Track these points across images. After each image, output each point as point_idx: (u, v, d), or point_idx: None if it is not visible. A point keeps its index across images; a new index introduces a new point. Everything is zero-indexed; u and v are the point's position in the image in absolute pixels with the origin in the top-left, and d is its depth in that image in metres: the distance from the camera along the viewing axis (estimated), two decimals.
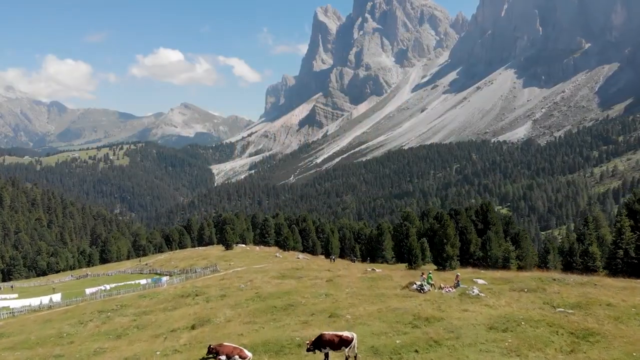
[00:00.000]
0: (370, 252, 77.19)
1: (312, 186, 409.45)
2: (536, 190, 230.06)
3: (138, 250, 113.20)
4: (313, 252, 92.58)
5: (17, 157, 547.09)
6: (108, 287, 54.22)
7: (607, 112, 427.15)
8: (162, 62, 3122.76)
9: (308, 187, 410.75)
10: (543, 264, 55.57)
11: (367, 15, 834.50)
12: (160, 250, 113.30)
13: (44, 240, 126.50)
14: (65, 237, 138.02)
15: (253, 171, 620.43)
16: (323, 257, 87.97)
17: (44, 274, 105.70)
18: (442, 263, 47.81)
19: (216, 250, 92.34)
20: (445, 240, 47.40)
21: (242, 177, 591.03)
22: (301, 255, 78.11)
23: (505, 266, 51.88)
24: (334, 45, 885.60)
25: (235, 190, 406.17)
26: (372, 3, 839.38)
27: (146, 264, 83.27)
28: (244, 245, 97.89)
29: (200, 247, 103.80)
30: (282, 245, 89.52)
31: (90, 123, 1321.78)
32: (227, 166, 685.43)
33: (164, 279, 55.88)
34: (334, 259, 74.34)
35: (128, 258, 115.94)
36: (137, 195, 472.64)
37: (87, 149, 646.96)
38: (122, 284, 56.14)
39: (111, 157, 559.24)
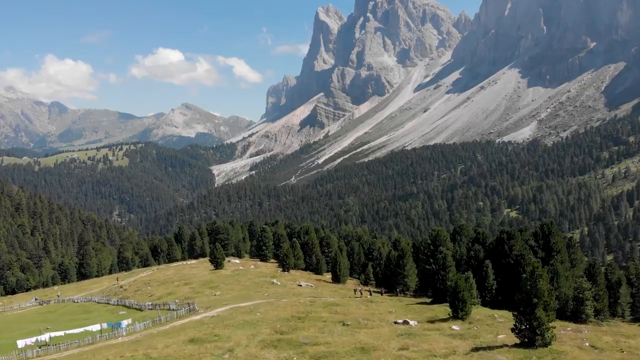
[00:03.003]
0: (388, 278, 63.62)
1: (314, 187, 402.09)
2: (546, 193, 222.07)
3: (122, 264, 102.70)
4: (317, 270, 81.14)
5: (15, 158, 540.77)
6: (47, 337, 44.13)
7: (615, 112, 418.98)
8: (162, 63, 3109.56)
9: (309, 188, 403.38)
10: (613, 300, 45.11)
11: (369, 14, 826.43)
12: (146, 263, 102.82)
13: (24, 249, 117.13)
14: (49, 245, 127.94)
15: (254, 172, 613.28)
16: (330, 277, 74.20)
17: (13, 292, 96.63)
18: (527, 335, 31.81)
19: (204, 269, 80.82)
20: (534, 300, 30.83)
21: (243, 177, 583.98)
22: (303, 282, 65.48)
23: (578, 310, 41.09)
24: (336, 45, 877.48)
25: (235, 192, 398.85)
26: (373, 2, 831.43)
27: (121, 287, 74.18)
28: (237, 261, 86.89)
29: (189, 262, 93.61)
30: (282, 262, 77.85)
31: (90, 123, 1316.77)
32: (227, 167, 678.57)
33: (124, 323, 45.55)
34: (360, 293, 59.04)
35: (110, 272, 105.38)
36: (136, 196, 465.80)
37: (87, 149, 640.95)
38: (72, 331, 44.63)
39: (110, 158, 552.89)
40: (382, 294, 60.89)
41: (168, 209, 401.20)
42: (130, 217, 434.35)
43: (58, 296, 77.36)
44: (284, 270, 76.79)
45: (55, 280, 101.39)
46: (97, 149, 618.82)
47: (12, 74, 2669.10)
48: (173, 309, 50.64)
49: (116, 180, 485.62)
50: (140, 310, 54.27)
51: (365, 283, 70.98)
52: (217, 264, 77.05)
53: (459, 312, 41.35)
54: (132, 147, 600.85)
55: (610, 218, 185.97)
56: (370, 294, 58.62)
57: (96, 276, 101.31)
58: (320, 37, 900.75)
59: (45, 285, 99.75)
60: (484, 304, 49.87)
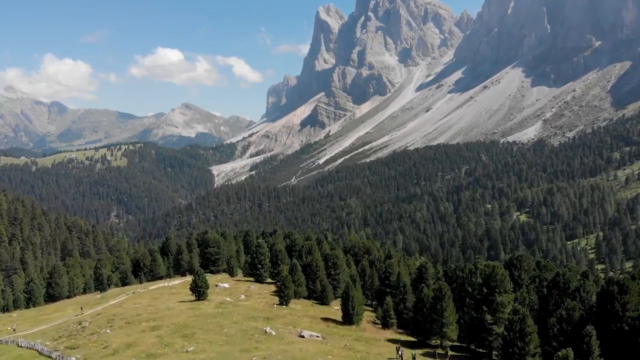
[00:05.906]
0: (420, 323, 50.23)
1: (315, 188, 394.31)
2: (557, 195, 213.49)
3: (97, 282, 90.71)
4: (322, 299, 68.48)
5: (13, 158, 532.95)
6: None
7: (622, 111, 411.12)
8: (162, 62, 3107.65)
9: (310, 189, 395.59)
10: None
11: (370, 13, 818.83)
12: (126, 281, 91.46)
13: None
14: (27, 256, 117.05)
15: (254, 172, 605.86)
16: (338, 310, 60.56)
17: None
18: None
19: (184, 296, 68.10)
20: None
21: (243, 178, 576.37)
22: (307, 331, 51.42)
23: None
24: (336, 44, 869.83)
25: (234, 193, 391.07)
26: (375, 1, 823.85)
27: (80, 323, 59.03)
28: (226, 285, 74.64)
29: (172, 281, 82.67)
30: (280, 292, 64.96)
31: (90, 123, 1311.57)
32: (227, 167, 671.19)
33: None
34: (401, 357, 44.42)
35: (84, 291, 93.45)
36: (135, 197, 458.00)
37: (85, 149, 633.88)
38: None
39: (109, 158, 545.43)
40: (435, 358, 46.69)
41: (166, 210, 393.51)
42: (128, 219, 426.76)
43: (14, 330, 65.89)
44: (281, 304, 64.50)
45: (18, 304, 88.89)
46: (96, 149, 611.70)
47: (12, 74, 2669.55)
48: None
49: (114, 180, 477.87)
50: None
51: (385, 322, 58.22)
52: (199, 294, 65.25)
53: None
54: (131, 147, 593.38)
55: (627, 222, 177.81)
56: (414, 358, 44.51)
57: (67, 297, 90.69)
58: (320, 36, 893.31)
59: (6, 309, 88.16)
60: None
